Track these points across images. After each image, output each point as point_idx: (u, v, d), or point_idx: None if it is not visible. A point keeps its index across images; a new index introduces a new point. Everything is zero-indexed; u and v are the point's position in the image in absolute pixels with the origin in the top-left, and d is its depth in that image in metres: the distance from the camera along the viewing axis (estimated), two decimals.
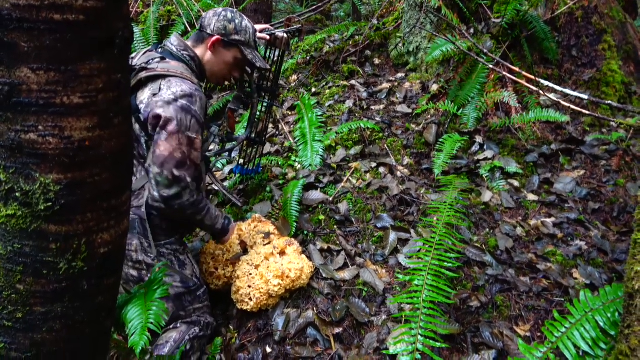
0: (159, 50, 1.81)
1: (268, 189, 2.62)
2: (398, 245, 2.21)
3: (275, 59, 2.27)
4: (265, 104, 2.37)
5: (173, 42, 1.79)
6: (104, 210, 0.90)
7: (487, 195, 2.44)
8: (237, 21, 1.79)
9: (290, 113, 3.33)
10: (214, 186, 2.58)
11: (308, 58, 3.90)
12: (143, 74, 1.69)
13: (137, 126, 1.72)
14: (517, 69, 2.39)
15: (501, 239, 2.21)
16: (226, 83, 2.03)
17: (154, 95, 1.65)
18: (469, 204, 2.41)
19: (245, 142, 2.43)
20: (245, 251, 2.16)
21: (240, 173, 2.56)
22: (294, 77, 3.77)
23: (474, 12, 3.36)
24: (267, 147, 3.04)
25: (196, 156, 1.74)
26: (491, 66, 2.70)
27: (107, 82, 0.83)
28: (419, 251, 2.14)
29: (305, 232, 2.33)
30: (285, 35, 2.19)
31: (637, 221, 1.15)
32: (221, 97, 3.72)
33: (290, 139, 3.03)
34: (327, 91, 3.44)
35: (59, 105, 0.78)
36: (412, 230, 2.28)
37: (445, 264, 1.75)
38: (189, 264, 1.97)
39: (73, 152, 0.82)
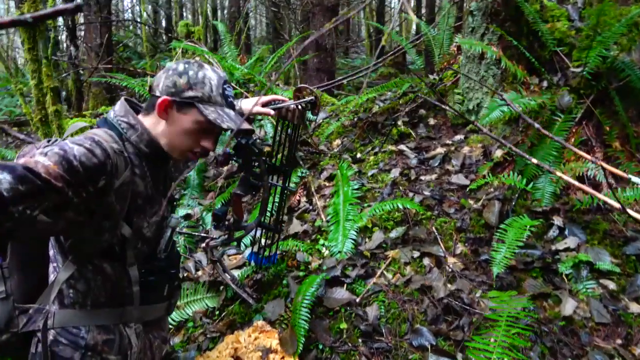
0: (101, 119, 1.44)
1: (285, 282, 2.17)
2: None
3: (283, 133, 1.89)
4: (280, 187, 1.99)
5: (115, 108, 1.40)
6: None
7: (569, 305, 1.79)
8: (190, 73, 1.31)
9: (327, 184, 2.92)
10: (225, 277, 2.20)
11: (355, 120, 3.51)
12: None
13: None
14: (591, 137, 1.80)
15: None
16: (202, 160, 1.54)
17: None
18: (542, 316, 1.77)
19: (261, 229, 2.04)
20: None
21: (254, 262, 2.16)
22: (338, 141, 3.38)
23: (548, 61, 2.79)
24: (297, 226, 2.62)
25: None
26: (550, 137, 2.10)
27: None
28: None
29: (321, 346, 1.83)
30: (296, 107, 1.81)
31: None
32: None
33: (322, 216, 2.59)
34: (372, 157, 3.00)
35: None
36: (459, 355, 1.69)
37: None
38: None
39: None
